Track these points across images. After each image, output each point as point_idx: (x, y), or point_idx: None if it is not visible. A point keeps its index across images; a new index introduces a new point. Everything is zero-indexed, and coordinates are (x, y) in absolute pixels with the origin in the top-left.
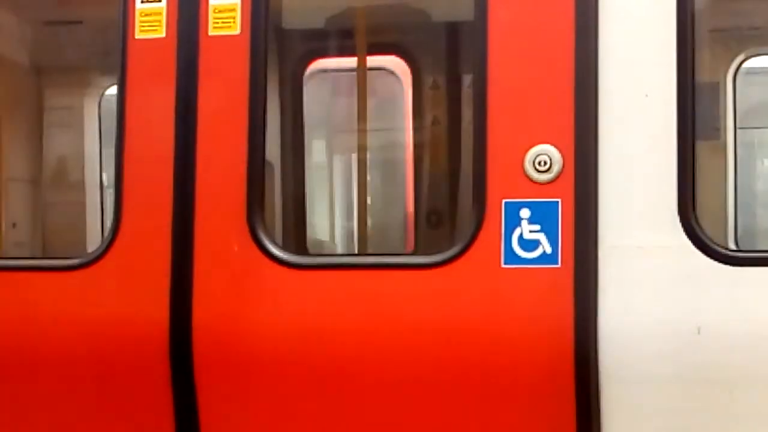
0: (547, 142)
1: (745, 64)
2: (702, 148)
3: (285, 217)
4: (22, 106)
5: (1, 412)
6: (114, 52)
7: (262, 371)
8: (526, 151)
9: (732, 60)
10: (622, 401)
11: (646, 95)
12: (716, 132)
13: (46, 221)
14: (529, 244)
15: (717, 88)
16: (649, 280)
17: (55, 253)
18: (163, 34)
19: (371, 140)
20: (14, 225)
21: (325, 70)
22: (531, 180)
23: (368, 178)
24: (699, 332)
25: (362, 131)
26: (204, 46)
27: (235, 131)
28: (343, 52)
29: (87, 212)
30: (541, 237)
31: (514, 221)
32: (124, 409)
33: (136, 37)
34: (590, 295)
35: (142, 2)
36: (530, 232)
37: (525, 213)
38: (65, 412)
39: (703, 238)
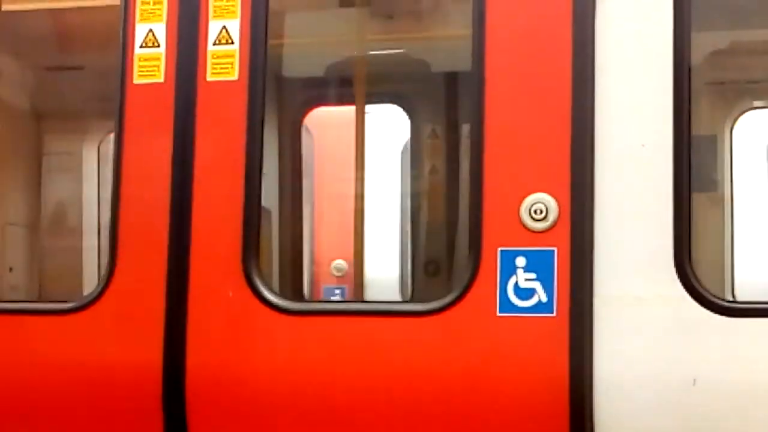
0: (544, 191)
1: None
2: (699, 199)
3: (282, 262)
4: (22, 151)
5: None
6: (113, 97)
7: (256, 417)
8: (522, 199)
9: (730, 113)
10: None
11: (643, 145)
12: (713, 184)
13: (43, 265)
14: (525, 293)
15: (715, 141)
16: (645, 330)
17: (52, 297)
18: (162, 79)
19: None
20: (11, 269)
21: None
22: (527, 228)
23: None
24: (695, 383)
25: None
26: (202, 91)
27: (232, 176)
28: (342, 101)
29: (84, 256)
30: (537, 285)
31: (509, 269)
32: None
33: (135, 82)
34: (585, 344)
35: (141, 47)
36: (526, 280)
37: (521, 261)
38: None
39: (700, 288)
